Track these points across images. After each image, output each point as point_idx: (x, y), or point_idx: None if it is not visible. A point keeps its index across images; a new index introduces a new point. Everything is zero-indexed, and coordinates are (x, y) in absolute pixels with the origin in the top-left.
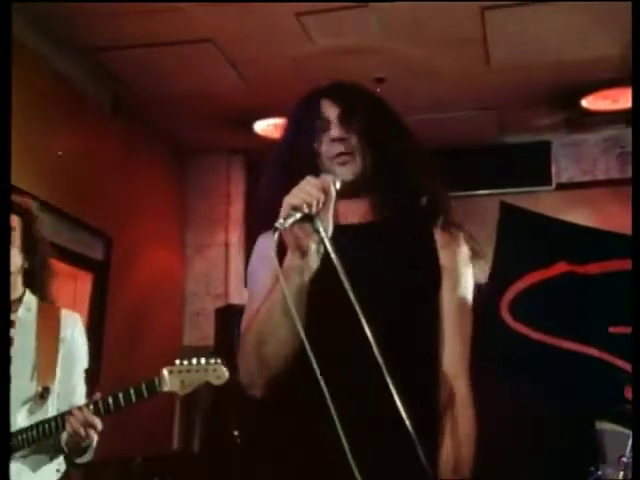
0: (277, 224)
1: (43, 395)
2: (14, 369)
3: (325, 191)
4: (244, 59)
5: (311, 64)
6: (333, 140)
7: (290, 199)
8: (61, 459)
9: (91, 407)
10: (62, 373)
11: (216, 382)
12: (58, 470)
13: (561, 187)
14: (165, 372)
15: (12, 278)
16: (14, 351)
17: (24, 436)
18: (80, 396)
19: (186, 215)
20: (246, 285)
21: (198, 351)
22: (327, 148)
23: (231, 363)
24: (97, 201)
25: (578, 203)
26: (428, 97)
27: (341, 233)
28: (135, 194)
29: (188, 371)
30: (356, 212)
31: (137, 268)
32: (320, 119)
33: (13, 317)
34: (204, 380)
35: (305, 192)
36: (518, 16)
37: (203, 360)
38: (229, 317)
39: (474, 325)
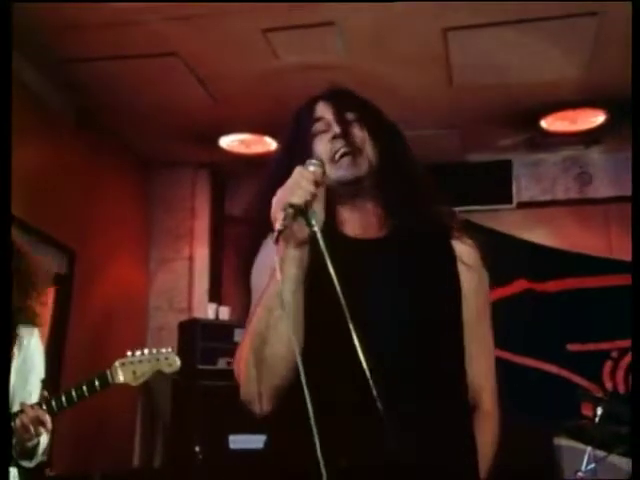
0: (279, 226)
1: None
2: None
3: (317, 183)
4: (210, 74)
5: (277, 80)
6: (334, 137)
7: (291, 198)
8: (15, 473)
9: (44, 406)
10: (17, 380)
11: (167, 370)
12: None
13: (522, 205)
14: (117, 364)
15: None
16: None
17: None
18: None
19: (150, 229)
20: (209, 299)
21: None
22: (328, 147)
23: (192, 376)
24: (60, 214)
25: (538, 222)
26: (391, 115)
27: (349, 247)
28: (99, 207)
29: (140, 361)
30: (364, 223)
31: (100, 282)
32: (318, 121)
33: None
34: (156, 369)
35: (303, 189)
36: (480, 37)
37: (155, 350)
38: (192, 331)
39: None
